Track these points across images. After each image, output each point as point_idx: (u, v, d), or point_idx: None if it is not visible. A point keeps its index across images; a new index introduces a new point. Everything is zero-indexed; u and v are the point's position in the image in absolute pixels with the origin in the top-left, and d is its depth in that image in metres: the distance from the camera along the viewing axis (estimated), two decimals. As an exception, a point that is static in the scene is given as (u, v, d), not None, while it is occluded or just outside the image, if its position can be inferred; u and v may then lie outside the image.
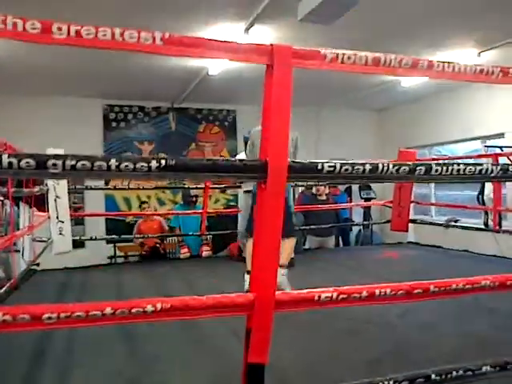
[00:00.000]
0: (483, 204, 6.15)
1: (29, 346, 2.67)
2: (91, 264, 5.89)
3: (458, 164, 1.52)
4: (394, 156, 6.25)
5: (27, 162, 1.10)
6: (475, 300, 3.49)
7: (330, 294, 1.38)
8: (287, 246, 4.03)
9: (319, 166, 1.35)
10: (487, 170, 1.56)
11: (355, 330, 3.03)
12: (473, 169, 1.54)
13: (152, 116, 7.49)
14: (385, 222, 7.31)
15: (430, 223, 7.02)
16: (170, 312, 1.22)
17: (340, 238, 7.83)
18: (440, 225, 6.85)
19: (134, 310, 1.19)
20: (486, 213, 5.88)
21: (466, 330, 3.01)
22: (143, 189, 6.58)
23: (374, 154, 8.54)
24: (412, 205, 7.30)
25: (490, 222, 5.68)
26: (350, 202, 8.19)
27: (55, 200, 4.74)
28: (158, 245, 6.43)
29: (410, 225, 6.75)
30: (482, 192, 6.22)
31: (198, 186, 6.13)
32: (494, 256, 5.84)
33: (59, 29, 1.10)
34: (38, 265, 5.08)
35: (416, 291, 1.46)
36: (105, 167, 1.15)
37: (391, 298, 1.45)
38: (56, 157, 1.11)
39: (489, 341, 2.73)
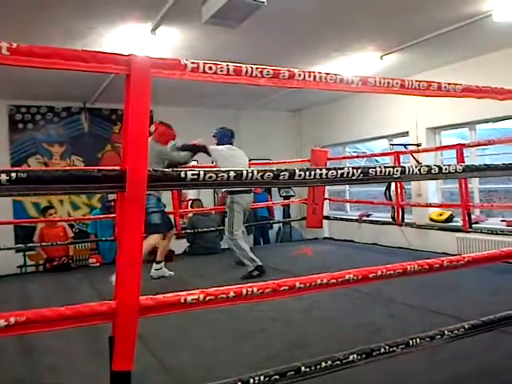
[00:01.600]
0: (390, 199, 6.52)
1: None
2: (-1, 274, 5.60)
3: (321, 169, 1.61)
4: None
5: None
6: (375, 290, 3.74)
7: (196, 296, 1.43)
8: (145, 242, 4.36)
9: (182, 175, 1.39)
10: (348, 173, 1.67)
11: (261, 328, 3.13)
12: (335, 173, 1.65)
13: (62, 117, 7.19)
14: (301, 219, 7.56)
15: (342, 219, 7.34)
16: (26, 325, 1.20)
17: (260, 236, 7.99)
18: (351, 220, 7.19)
19: (-16, 326, 1.16)
20: (393, 207, 6.25)
21: (364, 320, 3.21)
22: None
23: (294, 153, 8.80)
24: (327, 201, 7.62)
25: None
26: (271, 200, 8.37)
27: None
28: (69, 257, 6.10)
29: (324, 221, 7.04)
30: (388, 188, 6.60)
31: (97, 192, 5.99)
32: (400, 248, 6.24)
33: None
34: None
35: (282, 288, 1.55)
36: None
37: (258, 297, 1.52)
38: None
39: (384, 330, 2.93)
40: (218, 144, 5.11)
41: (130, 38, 4.54)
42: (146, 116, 1.32)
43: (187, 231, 6.36)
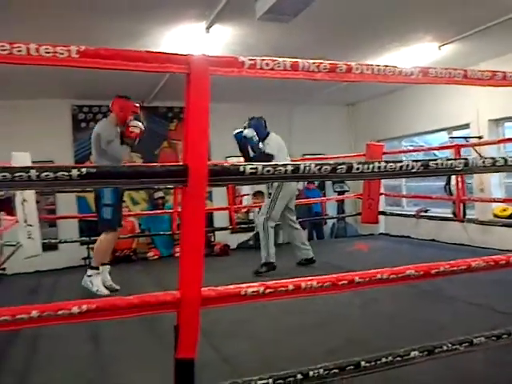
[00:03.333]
0: (450, 194, 6.29)
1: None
2: (64, 266, 5.92)
3: (379, 162, 1.59)
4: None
5: None
6: (435, 288, 3.64)
7: (256, 289, 1.45)
8: (97, 242, 4.11)
9: (241, 169, 1.41)
10: (407, 166, 1.64)
11: (318, 322, 3.13)
12: (394, 166, 1.62)
13: (122, 116, 7.46)
14: (356, 215, 7.45)
15: (399, 214, 7.17)
16: (97, 313, 1.28)
17: (314, 231, 7.97)
18: (408, 216, 7.00)
19: (60, 312, 1.24)
20: (454, 202, 6.02)
21: (423, 317, 3.12)
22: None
23: (347, 147, 8.69)
24: (383, 196, 7.46)
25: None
26: (324, 195, 8.32)
27: (22, 203, 4.72)
28: (131, 249, 6.37)
29: (380, 216, 6.90)
30: (448, 182, 6.37)
31: (161, 187, 6.18)
32: (461, 244, 6.01)
33: (-27, 46, 1.14)
34: (4, 269, 5.06)
35: (341, 283, 1.54)
36: (25, 178, 1.20)
37: (317, 290, 1.53)
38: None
39: (444, 327, 2.85)
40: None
41: (184, 38, 4.65)
42: (206, 113, 1.36)
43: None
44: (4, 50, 1.17)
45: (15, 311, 1.23)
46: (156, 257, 6.16)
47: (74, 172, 1.24)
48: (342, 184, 8.17)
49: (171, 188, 6.10)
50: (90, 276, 3.95)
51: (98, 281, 3.92)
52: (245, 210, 7.57)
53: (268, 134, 4.75)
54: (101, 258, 4.06)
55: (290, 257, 5.07)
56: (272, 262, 4.56)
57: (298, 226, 4.95)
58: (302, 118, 8.33)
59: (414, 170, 1.64)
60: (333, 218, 7.97)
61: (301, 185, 7.57)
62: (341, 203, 8.23)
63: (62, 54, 1.22)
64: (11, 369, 2.54)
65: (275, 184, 4.60)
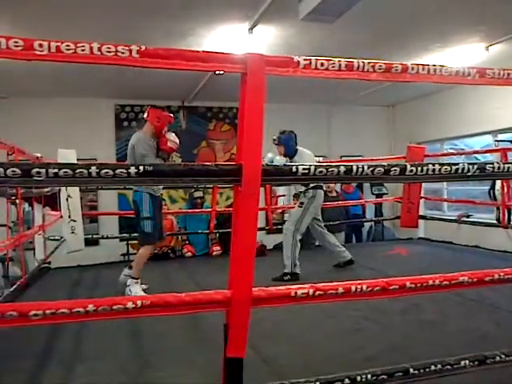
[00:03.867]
0: (495, 199, 6.08)
1: (40, 338, 2.81)
2: (105, 261, 6.06)
3: (433, 164, 1.55)
4: (405, 151, 6.26)
5: (13, 171, 1.18)
6: (479, 296, 3.53)
7: (306, 291, 1.44)
8: (137, 255, 4.07)
9: (294, 169, 1.41)
10: (463, 169, 1.59)
11: (356, 327, 3.09)
12: (448, 168, 1.58)
13: (163, 115, 7.59)
14: (394, 218, 7.32)
15: (440, 219, 6.99)
16: (150, 308, 1.30)
17: (353, 234, 7.87)
18: (450, 220, 6.82)
19: (115, 307, 1.27)
20: (498, 208, 5.82)
21: (466, 326, 3.04)
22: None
23: (386, 149, 8.55)
24: (423, 200, 7.29)
25: (505, 218, 5.63)
26: (363, 198, 8.21)
27: (67, 199, 4.87)
28: (169, 247, 6.47)
29: (420, 221, 6.75)
30: (493, 187, 6.16)
31: (200, 187, 6.23)
32: (505, 252, 5.80)
33: (40, 45, 1.18)
34: (49, 263, 5.22)
35: (392, 287, 1.51)
36: (86, 174, 1.23)
37: (368, 295, 1.50)
38: (40, 166, 1.20)
39: (490, 337, 2.76)
40: (286, 152, 4.56)
41: (227, 38, 4.68)
42: (262, 113, 1.36)
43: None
44: (69, 49, 1.20)
45: (73, 304, 1.27)
46: (190, 254, 6.22)
47: (132, 170, 1.26)
48: (380, 187, 8.04)
49: (211, 187, 6.14)
50: (128, 285, 3.93)
51: (137, 288, 3.91)
52: (280, 210, 7.56)
53: (295, 148, 4.62)
54: (140, 269, 4.01)
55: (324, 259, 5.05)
56: (298, 273, 4.47)
57: (327, 231, 4.93)
58: (341, 119, 8.25)
59: (469, 174, 1.60)
60: (371, 220, 7.85)
61: (338, 187, 7.50)
62: (379, 206, 8.10)
63: (123, 53, 1.24)
64: (58, 360, 2.61)
65: (309, 194, 4.55)
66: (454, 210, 7.74)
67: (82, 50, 1.21)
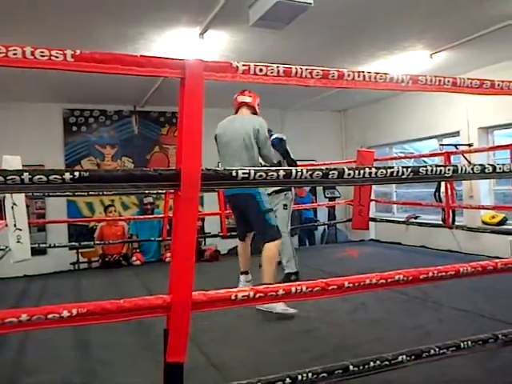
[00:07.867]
0: (440, 201, 6.34)
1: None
2: (52, 271, 5.87)
3: (370, 168, 1.61)
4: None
5: None
6: (423, 294, 3.67)
7: (246, 293, 1.46)
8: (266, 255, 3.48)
9: (234, 173, 1.42)
10: (398, 172, 1.66)
11: (306, 328, 3.13)
12: (384, 172, 1.64)
13: (114, 119, 7.46)
14: (347, 221, 7.48)
15: (389, 221, 7.21)
16: (87, 317, 1.27)
17: (306, 238, 7.98)
18: (398, 222, 7.05)
19: (50, 316, 1.24)
20: (443, 209, 6.07)
21: (411, 323, 3.14)
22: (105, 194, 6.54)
23: (339, 154, 8.74)
24: (374, 203, 7.51)
25: (449, 219, 5.88)
26: (315, 201, 8.34)
27: (12, 207, 4.68)
28: (121, 254, 6.34)
29: (371, 223, 6.94)
30: (438, 189, 6.42)
31: (152, 193, 6.18)
32: (449, 251, 6.06)
33: (-33, 48, 1.14)
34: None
35: (331, 287, 1.55)
36: (18, 181, 1.20)
37: (307, 295, 1.54)
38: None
39: (433, 334, 2.87)
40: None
41: (178, 43, 4.65)
42: (200, 117, 1.37)
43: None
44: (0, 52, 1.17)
45: (4, 315, 1.23)
46: (139, 262, 6.16)
47: (67, 175, 1.24)
48: (333, 190, 8.20)
49: (162, 193, 6.09)
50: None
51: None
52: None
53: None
54: (273, 270, 3.39)
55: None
56: (298, 272, 4.46)
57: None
58: (294, 123, 8.36)
59: (404, 176, 1.67)
60: (324, 224, 7.99)
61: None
62: (332, 209, 8.26)
63: (58, 57, 1.22)
64: (-1, 373, 2.51)
65: (290, 196, 4.57)
66: (402, 211, 8.01)
67: (14, 54, 1.18)
